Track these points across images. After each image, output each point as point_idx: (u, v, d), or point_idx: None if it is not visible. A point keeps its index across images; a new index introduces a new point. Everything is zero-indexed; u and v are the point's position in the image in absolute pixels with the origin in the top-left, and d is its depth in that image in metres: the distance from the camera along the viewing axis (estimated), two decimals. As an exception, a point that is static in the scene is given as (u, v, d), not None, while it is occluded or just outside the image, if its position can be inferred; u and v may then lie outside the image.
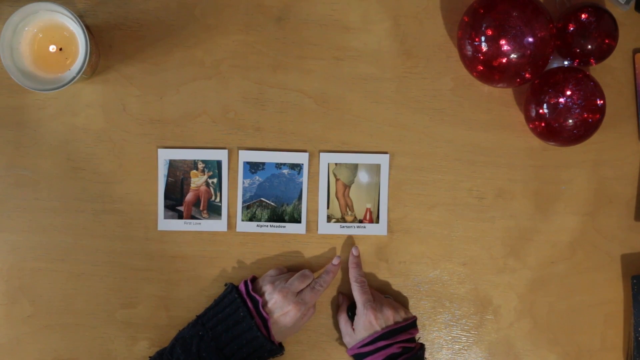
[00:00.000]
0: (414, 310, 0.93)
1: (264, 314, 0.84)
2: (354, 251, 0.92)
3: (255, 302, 0.85)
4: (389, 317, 0.86)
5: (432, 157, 0.93)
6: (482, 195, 0.93)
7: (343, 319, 0.90)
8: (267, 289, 0.86)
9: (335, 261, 0.91)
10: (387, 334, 0.85)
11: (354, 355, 0.87)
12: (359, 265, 0.91)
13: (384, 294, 0.92)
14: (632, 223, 0.94)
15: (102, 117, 0.92)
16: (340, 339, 0.92)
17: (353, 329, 0.88)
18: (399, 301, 0.93)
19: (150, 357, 0.86)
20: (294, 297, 0.85)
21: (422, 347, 0.88)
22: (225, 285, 0.89)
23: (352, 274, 0.90)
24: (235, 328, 0.83)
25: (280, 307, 0.85)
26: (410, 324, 0.87)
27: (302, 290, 0.87)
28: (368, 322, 0.86)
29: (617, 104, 0.93)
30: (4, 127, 0.91)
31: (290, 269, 0.92)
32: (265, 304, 0.85)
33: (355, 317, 0.87)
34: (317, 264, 0.93)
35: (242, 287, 0.87)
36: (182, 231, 0.92)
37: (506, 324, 0.94)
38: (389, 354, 0.84)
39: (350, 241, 0.93)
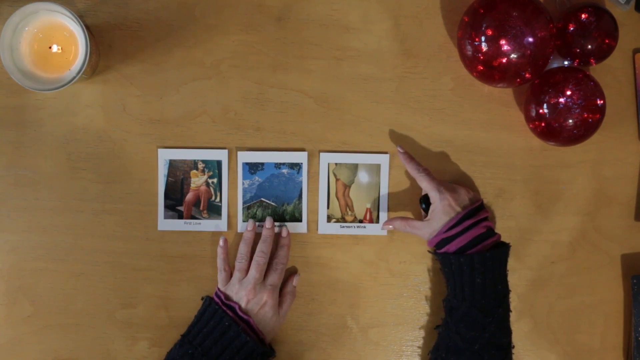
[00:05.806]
0: (412, 310, 0.93)
1: (244, 316, 0.84)
2: (400, 149, 0.89)
3: (232, 309, 0.85)
4: (465, 196, 0.84)
5: (432, 157, 0.93)
6: (482, 195, 0.93)
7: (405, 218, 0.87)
8: (233, 290, 0.86)
9: (284, 233, 0.91)
10: (471, 213, 0.82)
11: (438, 243, 0.84)
12: (412, 158, 0.89)
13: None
14: (632, 223, 0.94)
15: (102, 117, 0.92)
16: (340, 339, 0.92)
17: (428, 219, 0.84)
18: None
19: None
20: (262, 286, 0.86)
21: (506, 244, 0.85)
22: (202, 299, 0.88)
23: (411, 168, 0.87)
24: (223, 339, 0.83)
25: (255, 302, 0.85)
26: (482, 203, 0.86)
27: (266, 276, 0.87)
28: (447, 205, 0.83)
29: (617, 104, 0.93)
30: (4, 127, 0.91)
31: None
32: (240, 306, 0.85)
33: (432, 205, 0.84)
34: (317, 264, 0.92)
35: (216, 298, 0.87)
36: (182, 231, 0.92)
37: (506, 324, 0.94)
38: (476, 235, 0.82)
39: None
